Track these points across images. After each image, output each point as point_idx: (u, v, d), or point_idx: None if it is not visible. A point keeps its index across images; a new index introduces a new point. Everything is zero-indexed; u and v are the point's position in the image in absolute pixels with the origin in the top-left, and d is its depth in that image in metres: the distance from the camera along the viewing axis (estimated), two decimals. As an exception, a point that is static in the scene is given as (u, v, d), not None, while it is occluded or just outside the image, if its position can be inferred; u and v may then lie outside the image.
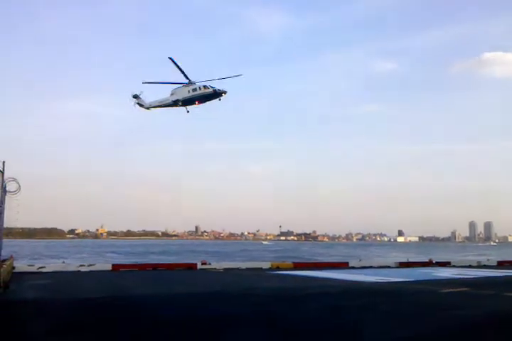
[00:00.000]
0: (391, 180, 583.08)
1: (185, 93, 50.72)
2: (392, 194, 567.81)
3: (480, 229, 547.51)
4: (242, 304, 18.14)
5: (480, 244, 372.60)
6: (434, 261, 50.17)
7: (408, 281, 29.03)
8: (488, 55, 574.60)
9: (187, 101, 50.74)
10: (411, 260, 53.00)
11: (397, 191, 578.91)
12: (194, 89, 50.35)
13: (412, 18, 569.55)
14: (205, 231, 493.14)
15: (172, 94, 51.93)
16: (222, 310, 16.42)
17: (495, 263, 50.38)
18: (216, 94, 49.00)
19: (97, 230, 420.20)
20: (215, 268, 38.46)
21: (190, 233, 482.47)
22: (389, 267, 44.56)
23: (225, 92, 49.16)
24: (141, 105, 53.13)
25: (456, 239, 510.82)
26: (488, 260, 55.32)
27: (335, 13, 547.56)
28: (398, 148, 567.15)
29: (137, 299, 19.68)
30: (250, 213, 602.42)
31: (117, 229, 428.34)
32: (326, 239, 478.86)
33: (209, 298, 19.87)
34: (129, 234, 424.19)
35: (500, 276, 34.91)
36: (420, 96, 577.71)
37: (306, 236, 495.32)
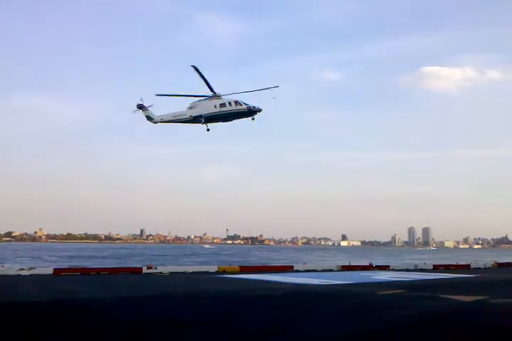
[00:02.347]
0: (335, 185, 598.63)
1: (210, 108, 43.31)
2: (336, 199, 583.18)
3: (418, 234, 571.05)
4: (188, 307, 18.34)
5: (420, 249, 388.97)
6: (374, 265, 52.28)
7: (349, 284, 30.19)
8: (427, 69, 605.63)
9: (212, 118, 43.50)
10: (353, 263, 54.79)
11: (341, 197, 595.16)
12: (222, 105, 43.31)
13: (361, 30, 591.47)
14: (150, 235, 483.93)
15: (191, 108, 44.29)
16: (168, 312, 16.57)
17: (431, 267, 53.07)
18: (250, 112, 43.01)
19: (36, 233, 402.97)
20: (161, 272, 38.21)
21: (134, 237, 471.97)
22: (332, 270, 45.93)
23: (259, 110, 43.29)
24: (149, 118, 44.70)
25: (396, 244, 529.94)
26: (424, 264, 58.16)
27: (289, 22, 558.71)
28: (342, 154, 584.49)
29: (81, 303, 19.41)
30: (197, 216, 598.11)
31: (57, 232, 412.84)
32: (272, 243, 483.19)
33: (154, 301, 19.90)
34: (69, 237, 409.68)
35: (434, 279, 36.92)
36: (364, 105, 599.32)
37: (253, 240, 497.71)
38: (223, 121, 43.97)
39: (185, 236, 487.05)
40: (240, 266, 45.45)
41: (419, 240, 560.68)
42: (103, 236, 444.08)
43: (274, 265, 54.82)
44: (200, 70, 40.59)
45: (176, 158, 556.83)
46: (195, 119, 43.65)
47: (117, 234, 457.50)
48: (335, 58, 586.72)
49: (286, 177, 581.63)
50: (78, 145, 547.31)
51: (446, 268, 53.15)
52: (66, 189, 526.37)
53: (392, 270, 48.48)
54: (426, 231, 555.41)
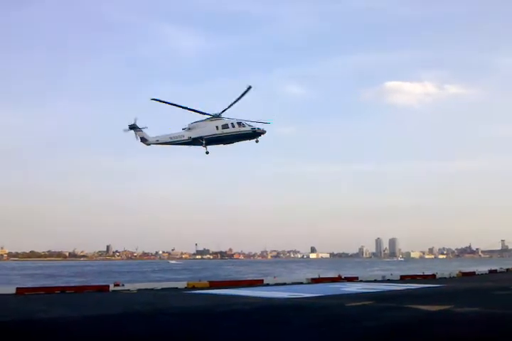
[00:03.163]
0: (303, 198, 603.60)
1: (211, 129, 40.76)
2: (304, 212, 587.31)
3: (385, 245, 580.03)
4: (157, 324, 18.08)
5: (387, 260, 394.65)
6: (343, 277, 52.67)
7: (318, 296, 30.36)
8: (390, 84, 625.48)
9: (213, 140, 41.04)
10: (322, 276, 55.09)
11: (308, 209, 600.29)
12: (225, 126, 40.95)
13: (321, 46, 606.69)
14: (116, 251, 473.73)
15: (189, 129, 41.78)
16: (136, 330, 16.29)
17: (398, 278, 53.92)
18: (254, 134, 40.98)
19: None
20: (128, 290, 37.39)
21: (100, 253, 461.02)
22: (301, 283, 46.04)
23: (264, 132, 41.46)
24: (143, 140, 41.76)
25: (364, 255, 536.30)
26: (391, 275, 59.05)
27: (252, 36, 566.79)
28: (308, 167, 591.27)
29: (45, 323, 18.83)
30: (166, 232, 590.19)
31: (19, 250, 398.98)
32: (241, 257, 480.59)
33: (121, 319, 19.52)
34: (32, 255, 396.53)
35: (401, 289, 37.56)
36: (326, 120, 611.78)
37: (222, 254, 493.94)
38: (225, 144, 41.96)
39: (153, 252, 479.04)
40: (210, 281, 45.00)
41: (386, 251, 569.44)
42: (67, 254, 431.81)
43: (244, 279, 54.53)
44: (163, 99, 39.14)
45: (142, 170, 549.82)
46: (194, 141, 41.16)
47: (82, 251, 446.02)
48: (298, 73, 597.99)
49: (255, 189, 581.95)
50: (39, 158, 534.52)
51: (413, 278, 54.08)
52: (29, 204, 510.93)
53: (361, 281, 48.98)
54: (392, 242, 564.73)
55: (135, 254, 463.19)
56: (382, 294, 32.75)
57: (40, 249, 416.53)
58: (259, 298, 29.72)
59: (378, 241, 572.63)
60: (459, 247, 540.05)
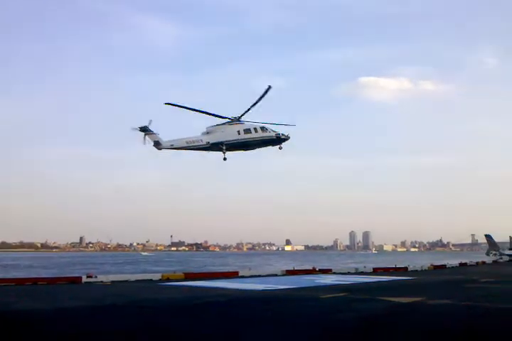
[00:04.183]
0: (279, 191, 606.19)
1: (232, 134, 38.18)
2: (279, 205, 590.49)
3: (359, 238, 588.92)
4: (131, 316, 17.89)
5: (362, 252, 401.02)
6: (317, 269, 53.24)
7: (293, 288, 30.60)
8: (365, 80, 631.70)
9: (234, 146, 38.55)
10: (297, 268, 55.54)
11: (283, 202, 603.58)
12: (247, 131, 38.51)
13: (297, 39, 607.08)
14: (90, 243, 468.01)
15: (208, 134, 38.80)
16: (110, 323, 16.09)
17: (371, 270, 54.78)
18: (279, 140, 38.95)
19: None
20: (101, 281, 36.95)
21: (73, 245, 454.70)
22: (276, 275, 46.34)
23: (288, 138, 39.41)
24: (157, 143, 37.66)
25: (338, 248, 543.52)
26: (364, 267, 59.96)
27: (228, 28, 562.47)
28: (283, 160, 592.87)
29: (15, 315, 18.43)
30: (141, 224, 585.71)
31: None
32: (217, 249, 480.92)
33: (94, 311, 19.24)
34: (3, 245, 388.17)
35: (374, 282, 38.17)
36: (299, 113, 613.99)
37: (198, 246, 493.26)
38: (245, 150, 39.78)
39: (128, 244, 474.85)
40: (185, 273, 44.88)
41: (360, 244, 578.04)
42: (39, 245, 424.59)
43: (219, 271, 54.53)
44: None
45: (117, 161, 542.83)
46: (213, 147, 38.25)
47: (54, 242, 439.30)
48: (274, 66, 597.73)
49: (229, 182, 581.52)
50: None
51: (386, 270, 55.01)
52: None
53: (335, 273, 49.61)
54: (366, 235, 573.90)
55: (109, 246, 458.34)
56: (355, 286, 33.21)
57: (11, 240, 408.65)
58: (234, 289, 29.77)
59: (352, 235, 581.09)
60: (431, 241, 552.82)
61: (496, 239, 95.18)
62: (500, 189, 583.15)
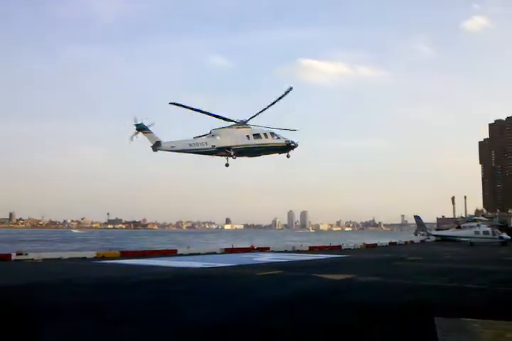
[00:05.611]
0: (218, 173, 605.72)
1: (241, 138, 35.68)
2: (219, 186, 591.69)
3: (297, 217, 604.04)
4: (64, 295, 17.38)
5: (300, 231, 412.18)
6: (255, 247, 54.16)
7: (231, 266, 30.95)
8: (305, 62, 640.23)
9: (242, 151, 36.11)
10: (235, 246, 56.22)
11: (224, 183, 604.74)
12: (256, 136, 36.09)
13: (246, 19, 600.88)
14: (20, 219, 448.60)
15: (214, 136, 35.79)
16: (42, 302, 15.54)
17: (307, 248, 56.47)
18: (288, 148, 37.35)
19: None
20: (32, 259, 35.57)
21: (2, 221, 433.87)
22: (215, 253, 46.68)
23: (296, 146, 37.70)
24: (156, 144, 33.68)
25: (277, 227, 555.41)
26: (301, 245, 61.73)
27: (173, 5, 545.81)
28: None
29: None
30: (76, 200, 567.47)
31: None
32: (156, 227, 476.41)
33: (25, 290, 18.51)
34: None
35: (310, 260, 39.41)
36: (239, 92, 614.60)
37: (136, 224, 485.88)
38: (251, 156, 37.65)
39: (61, 221, 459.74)
40: (121, 251, 44.12)
41: (298, 223, 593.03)
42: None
43: (157, 249, 54.06)
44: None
45: (49, 138, 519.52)
46: (219, 151, 35.53)
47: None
48: (219, 45, 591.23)
49: (170, 162, 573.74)
50: None
51: (321, 249, 56.94)
52: None
53: (272, 252, 50.68)
54: (303, 214, 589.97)
55: (41, 223, 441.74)
56: (291, 264, 34.10)
57: None
58: (172, 267, 29.66)
59: (290, 214, 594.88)
60: (364, 221, 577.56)
61: (425, 220, 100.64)
62: (431, 174, 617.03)
